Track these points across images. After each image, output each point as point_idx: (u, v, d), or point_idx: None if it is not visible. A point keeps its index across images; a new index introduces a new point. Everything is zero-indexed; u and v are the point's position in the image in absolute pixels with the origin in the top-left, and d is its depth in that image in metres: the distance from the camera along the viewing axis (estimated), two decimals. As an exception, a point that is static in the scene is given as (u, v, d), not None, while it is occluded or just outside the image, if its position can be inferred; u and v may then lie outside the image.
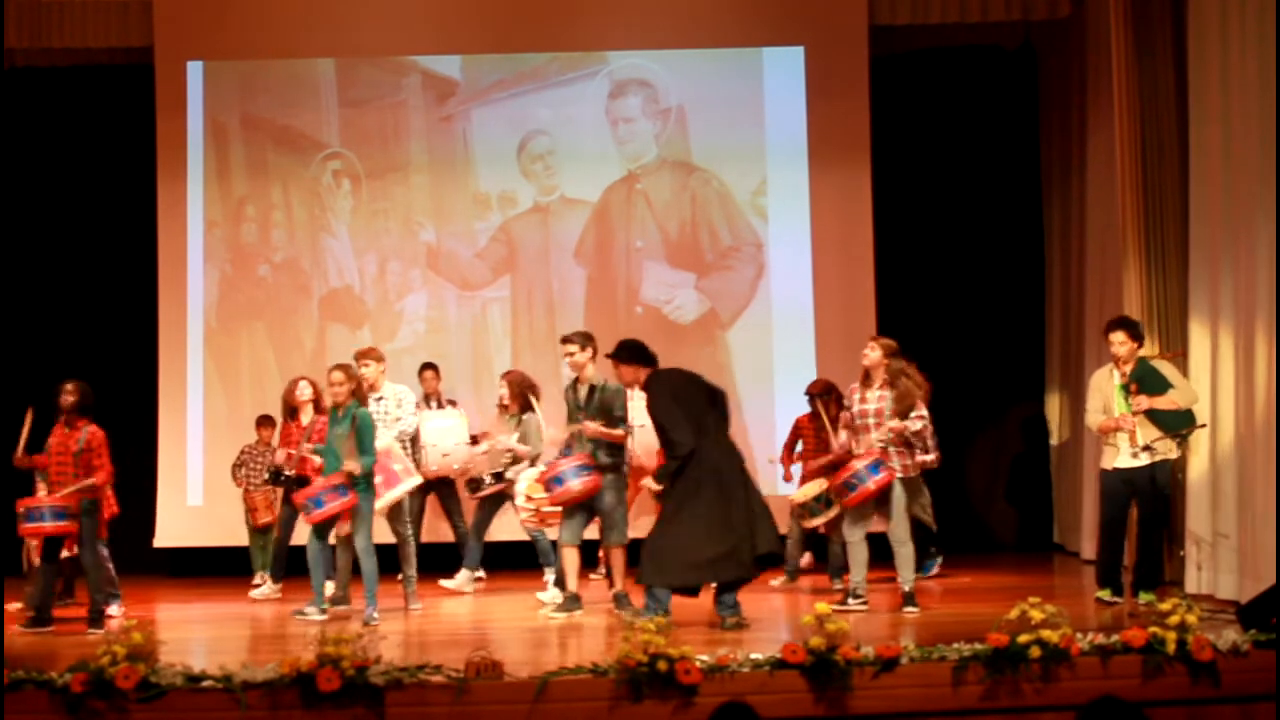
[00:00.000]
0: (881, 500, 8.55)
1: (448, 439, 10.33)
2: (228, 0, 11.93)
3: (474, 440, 10.45)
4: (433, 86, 12.05)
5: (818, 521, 9.69)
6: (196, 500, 11.72)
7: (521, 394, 10.05)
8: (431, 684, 5.87)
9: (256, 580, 10.83)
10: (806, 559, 10.87)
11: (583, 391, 8.87)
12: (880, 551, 8.86)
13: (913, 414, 8.53)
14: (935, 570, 10.40)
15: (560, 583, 9.02)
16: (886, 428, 8.50)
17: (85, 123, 12.39)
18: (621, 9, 12.06)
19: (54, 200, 12.37)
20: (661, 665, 5.83)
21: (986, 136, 12.65)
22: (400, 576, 9.36)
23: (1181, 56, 9.40)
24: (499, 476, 10.13)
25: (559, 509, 9.02)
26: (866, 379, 8.67)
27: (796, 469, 10.40)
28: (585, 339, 8.94)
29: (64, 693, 5.81)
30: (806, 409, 10.31)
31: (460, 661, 6.01)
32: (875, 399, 8.59)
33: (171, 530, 11.70)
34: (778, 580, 9.92)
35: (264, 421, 11.05)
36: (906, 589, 8.55)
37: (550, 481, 8.76)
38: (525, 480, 9.68)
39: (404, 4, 11.93)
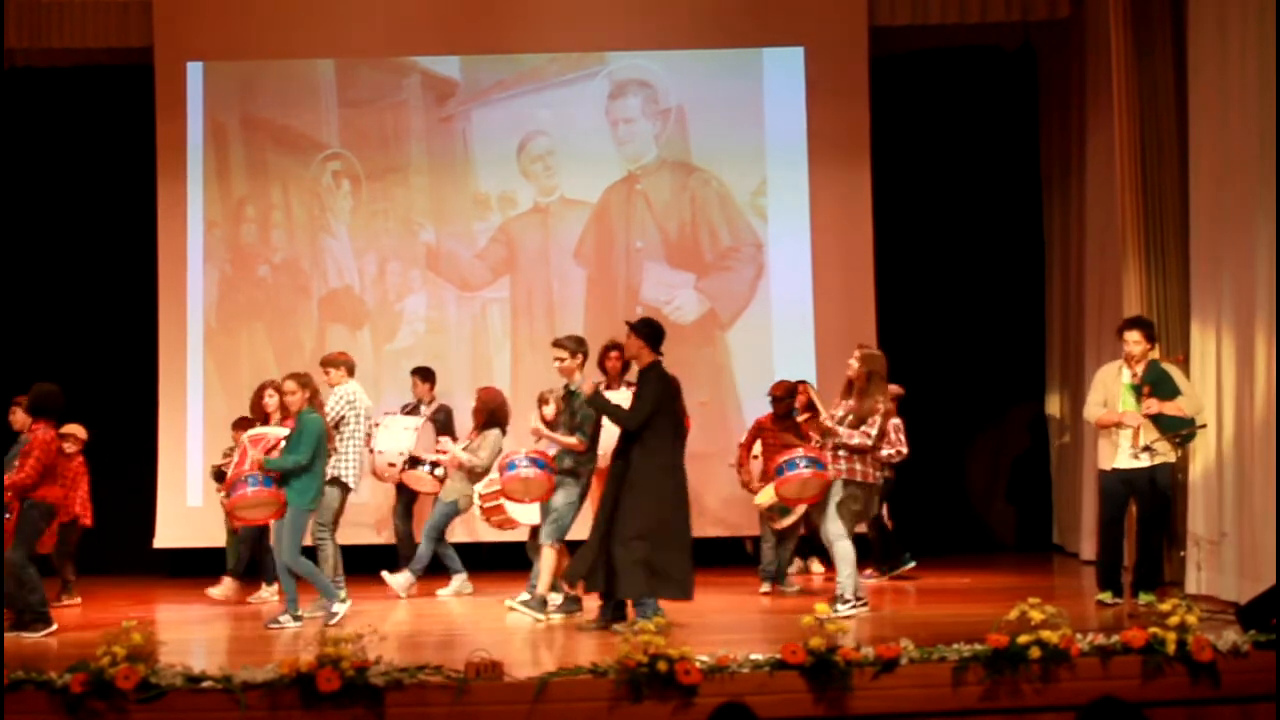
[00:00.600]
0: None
1: (394, 448, 10.23)
2: (228, 1, 11.93)
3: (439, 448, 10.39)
4: (432, 87, 12.05)
5: (787, 522, 9.68)
6: (196, 501, 11.72)
7: (487, 412, 10.08)
8: (431, 684, 5.87)
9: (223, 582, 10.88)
10: (797, 564, 10.84)
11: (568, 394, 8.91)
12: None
13: (862, 426, 8.55)
14: (909, 569, 10.45)
15: (555, 587, 9.02)
16: (821, 422, 8.63)
17: (85, 123, 12.39)
18: (621, 9, 12.06)
19: (54, 200, 12.37)
20: (661, 666, 5.84)
21: (986, 137, 12.65)
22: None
23: (1181, 56, 9.40)
24: (432, 467, 10.19)
25: (501, 507, 9.19)
26: (849, 385, 8.74)
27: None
28: (577, 344, 8.90)
29: (64, 693, 5.81)
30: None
31: (460, 662, 6.01)
32: (844, 407, 8.68)
33: (171, 531, 11.70)
34: (765, 587, 9.87)
35: (241, 423, 11.05)
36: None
37: (504, 468, 8.92)
38: (479, 486, 9.73)
39: (404, 5, 11.93)
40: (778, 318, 11.89)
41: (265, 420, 10.08)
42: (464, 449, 10.05)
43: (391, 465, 10.22)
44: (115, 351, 12.07)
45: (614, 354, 9.53)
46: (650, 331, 8.29)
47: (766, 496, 9.64)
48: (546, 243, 11.98)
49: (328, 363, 9.80)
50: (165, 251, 11.88)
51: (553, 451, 8.92)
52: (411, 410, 10.79)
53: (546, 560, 8.67)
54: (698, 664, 5.90)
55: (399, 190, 12.02)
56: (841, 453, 8.60)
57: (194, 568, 11.63)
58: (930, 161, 12.52)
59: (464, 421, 10.79)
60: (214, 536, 11.38)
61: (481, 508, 9.63)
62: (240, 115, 12.03)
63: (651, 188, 11.99)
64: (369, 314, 11.97)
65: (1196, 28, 8.97)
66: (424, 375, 10.93)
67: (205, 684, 5.87)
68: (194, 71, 12.00)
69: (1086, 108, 11.44)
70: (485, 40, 11.99)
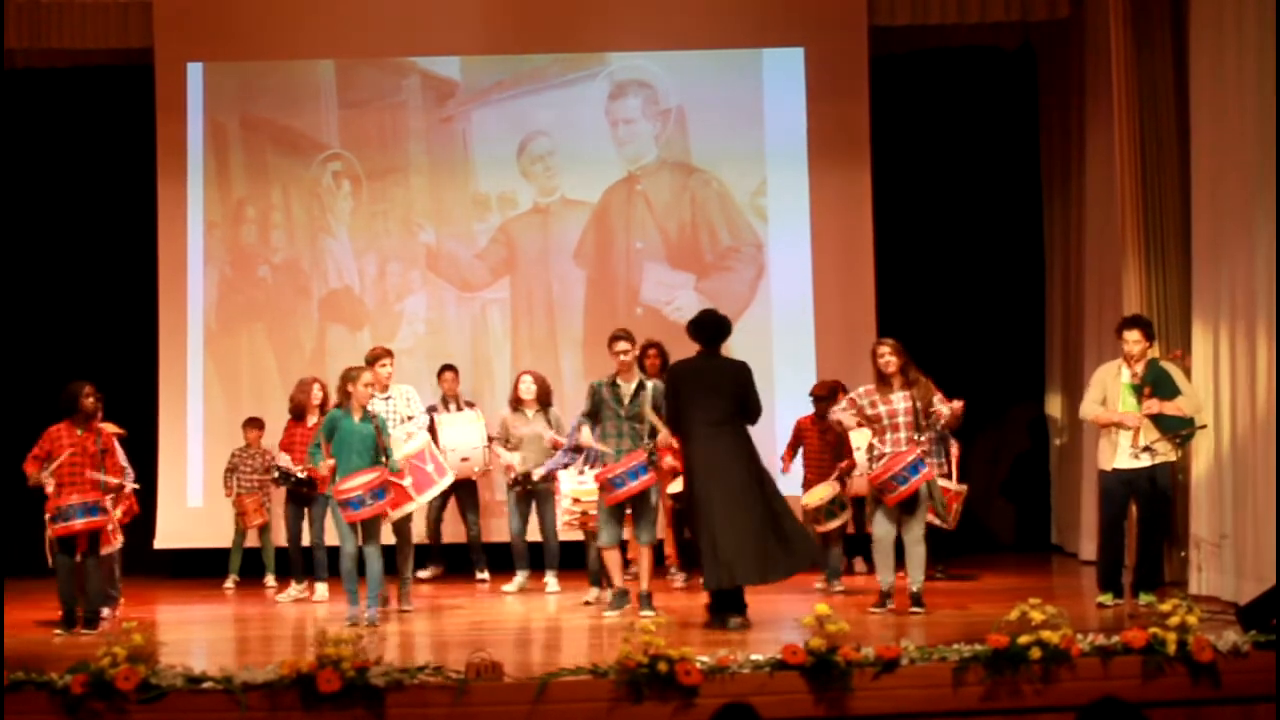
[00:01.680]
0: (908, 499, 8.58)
1: (466, 442, 10.31)
2: (228, 2, 11.93)
3: (501, 441, 10.34)
4: (432, 87, 12.05)
5: (833, 525, 9.67)
6: (197, 502, 11.72)
7: (547, 390, 10.21)
8: (432, 685, 5.87)
9: (228, 584, 10.86)
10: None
11: (625, 389, 8.79)
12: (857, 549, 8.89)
13: (937, 408, 8.66)
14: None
15: (597, 581, 9.19)
16: (950, 416, 8.67)
17: (85, 124, 12.38)
18: (621, 10, 12.06)
19: (54, 202, 12.36)
20: (662, 666, 5.83)
21: (986, 137, 12.64)
22: (398, 577, 9.35)
23: (1181, 56, 9.40)
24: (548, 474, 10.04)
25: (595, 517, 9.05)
26: (884, 380, 8.69)
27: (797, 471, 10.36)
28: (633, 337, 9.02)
29: (64, 694, 5.81)
30: (806, 409, 10.31)
31: (460, 662, 6.01)
32: (901, 399, 8.63)
33: (172, 532, 11.70)
34: (819, 583, 9.85)
35: (251, 424, 11.06)
36: (915, 589, 8.54)
37: (609, 482, 8.64)
38: (570, 481, 9.50)
39: (404, 5, 11.93)
40: (778, 318, 11.89)
41: (304, 414, 10.10)
42: (553, 431, 10.13)
43: (465, 460, 10.24)
44: (115, 353, 12.05)
45: (652, 351, 9.55)
46: (699, 328, 8.37)
47: (814, 498, 9.67)
48: (546, 243, 11.98)
49: (386, 355, 9.78)
50: (165, 253, 11.88)
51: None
52: (444, 406, 10.75)
53: (646, 561, 8.67)
54: (698, 664, 5.89)
55: (399, 191, 12.02)
56: (925, 449, 8.66)
57: (195, 569, 11.64)
58: (930, 162, 12.51)
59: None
60: (215, 538, 11.41)
61: (582, 514, 9.36)
62: (240, 116, 12.03)
63: (651, 188, 11.99)
64: (369, 315, 11.97)
65: (1197, 27, 8.97)
66: (455, 372, 10.94)
67: (206, 685, 5.87)
68: (194, 72, 12.00)
69: (1086, 107, 11.43)
70: (485, 41, 11.99)
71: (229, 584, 10.95)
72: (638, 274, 11.95)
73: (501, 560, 10.70)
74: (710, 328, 8.35)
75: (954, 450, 9.94)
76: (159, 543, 11.68)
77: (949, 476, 9.75)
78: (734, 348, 11.78)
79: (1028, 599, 6.21)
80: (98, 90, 12.39)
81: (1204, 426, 8.55)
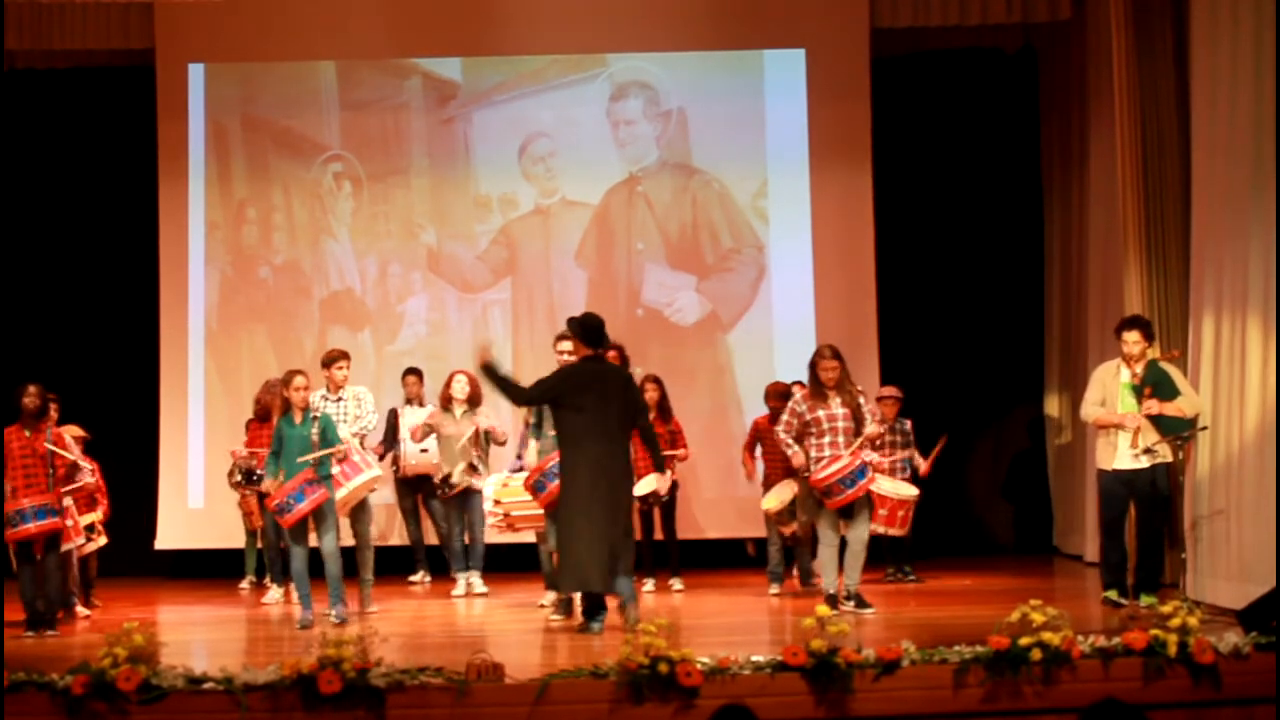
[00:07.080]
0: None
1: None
2: (229, 3, 11.92)
3: (428, 431, 10.33)
4: (434, 89, 12.06)
5: (795, 527, 9.67)
6: (197, 503, 11.73)
7: (479, 392, 10.14)
8: (432, 686, 5.87)
9: (243, 585, 10.84)
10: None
11: None
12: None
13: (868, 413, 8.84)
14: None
15: (554, 584, 9.04)
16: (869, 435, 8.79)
17: (86, 125, 12.39)
18: (622, 11, 12.07)
19: (55, 203, 12.37)
20: (662, 668, 5.83)
21: (987, 139, 12.65)
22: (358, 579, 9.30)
23: (1182, 57, 9.41)
24: (473, 468, 10.04)
25: (529, 514, 9.10)
26: (819, 388, 8.79)
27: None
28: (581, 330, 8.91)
29: (65, 695, 5.80)
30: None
31: (461, 663, 6.01)
32: (839, 404, 8.74)
33: (172, 533, 11.71)
34: (774, 589, 9.86)
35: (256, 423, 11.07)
36: (852, 588, 8.65)
37: (533, 486, 8.69)
38: (492, 485, 9.54)
39: (405, 6, 11.93)
40: (779, 319, 11.89)
41: (269, 415, 10.07)
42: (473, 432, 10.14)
43: (425, 451, 10.39)
44: (116, 354, 12.08)
45: (612, 353, 9.54)
46: (580, 329, 8.22)
47: (772, 502, 9.66)
48: (547, 245, 11.99)
49: (344, 358, 9.71)
50: (166, 254, 11.89)
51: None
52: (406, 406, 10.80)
53: None
54: (699, 666, 5.89)
55: (400, 192, 12.03)
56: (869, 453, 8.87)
57: (195, 569, 11.65)
58: (931, 163, 12.52)
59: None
60: (215, 538, 11.41)
61: (504, 515, 9.36)
62: (241, 117, 12.03)
63: (652, 189, 12.00)
64: (370, 316, 11.97)
65: (1197, 28, 8.96)
66: (419, 376, 10.96)
67: (206, 685, 5.86)
68: (195, 73, 12.01)
69: (1087, 109, 11.44)
70: (486, 42, 11.99)
71: (244, 584, 10.93)
72: (639, 275, 11.95)
73: (498, 562, 10.72)
74: (591, 331, 8.17)
75: (919, 463, 10.53)
76: (159, 543, 11.69)
77: (909, 481, 10.24)
78: (735, 349, 11.87)
79: (1028, 600, 6.21)
80: (99, 91, 12.40)
81: (1205, 428, 8.54)
